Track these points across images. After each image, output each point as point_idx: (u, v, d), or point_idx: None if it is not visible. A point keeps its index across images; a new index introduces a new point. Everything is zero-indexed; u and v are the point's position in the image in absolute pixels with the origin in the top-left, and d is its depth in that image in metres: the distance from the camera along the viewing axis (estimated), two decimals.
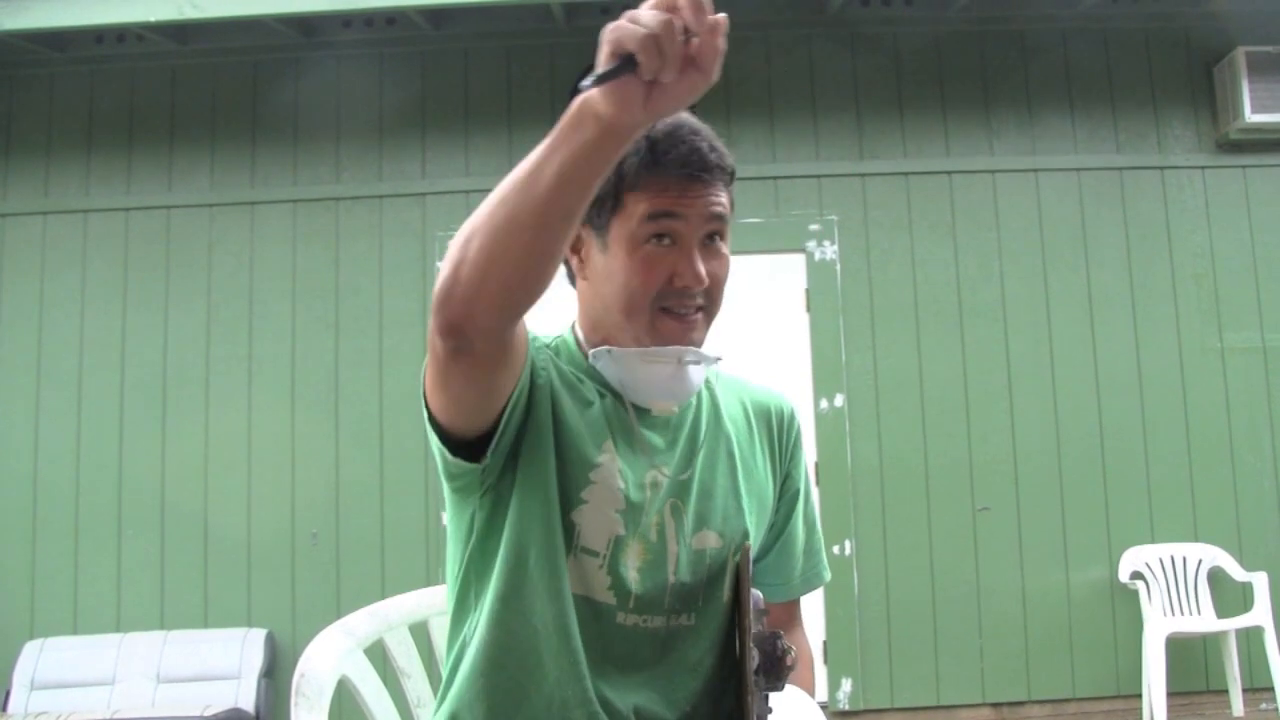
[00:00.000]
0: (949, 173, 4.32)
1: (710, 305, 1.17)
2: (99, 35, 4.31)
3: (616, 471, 1.14)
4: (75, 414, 4.21)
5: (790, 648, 1.00)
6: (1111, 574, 4.10)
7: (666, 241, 1.12)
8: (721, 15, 0.80)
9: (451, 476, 1.12)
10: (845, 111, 4.35)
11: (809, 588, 1.33)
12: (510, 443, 1.11)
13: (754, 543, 1.22)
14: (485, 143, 4.32)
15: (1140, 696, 3.97)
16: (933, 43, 4.37)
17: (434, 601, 1.44)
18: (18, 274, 4.30)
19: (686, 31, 0.78)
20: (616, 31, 0.79)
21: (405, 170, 4.33)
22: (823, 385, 4.21)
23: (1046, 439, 4.20)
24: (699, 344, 1.16)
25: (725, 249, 1.17)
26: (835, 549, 4.08)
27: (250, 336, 4.24)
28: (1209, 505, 4.17)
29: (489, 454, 1.08)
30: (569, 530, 1.12)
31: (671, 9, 0.78)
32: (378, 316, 4.25)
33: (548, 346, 1.20)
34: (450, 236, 0.97)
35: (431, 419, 1.08)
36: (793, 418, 1.32)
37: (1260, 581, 3.90)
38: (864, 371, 4.23)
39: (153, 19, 3.90)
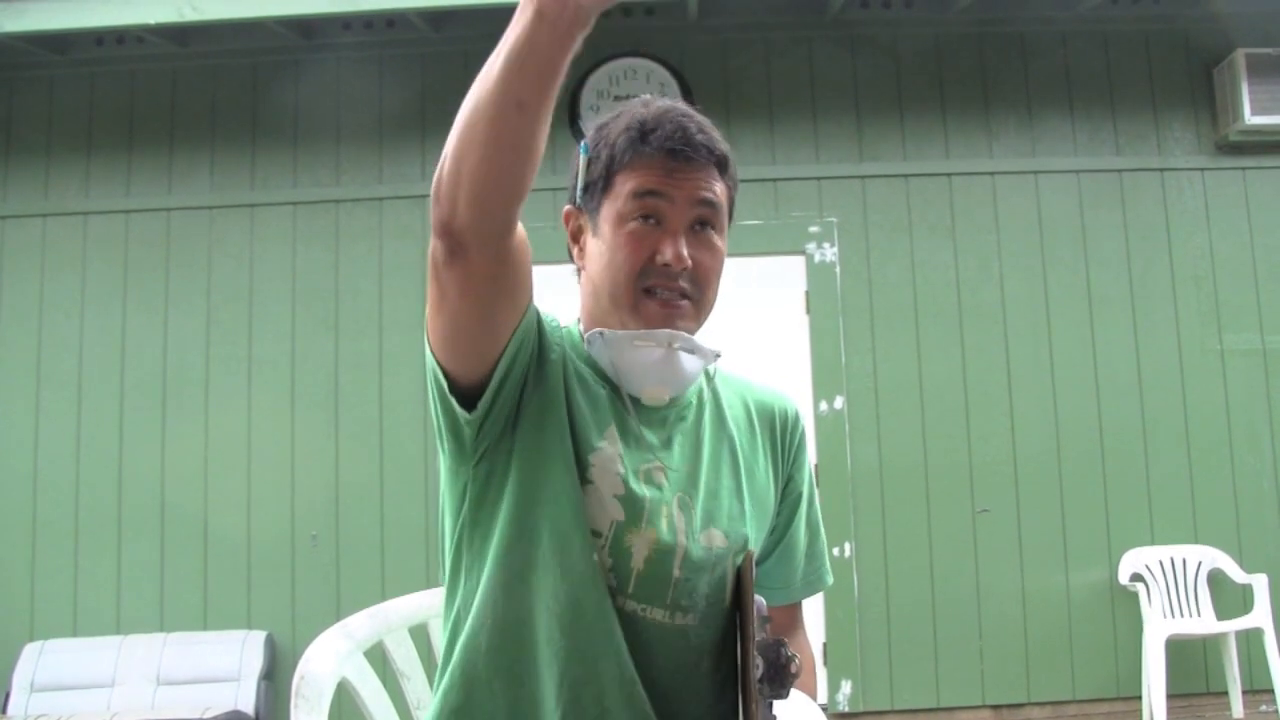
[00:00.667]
0: (949, 175, 4.32)
1: (699, 295, 1.16)
2: (99, 37, 4.31)
3: (616, 457, 1.14)
4: (75, 416, 4.20)
5: (794, 655, 1.00)
6: (1111, 576, 4.10)
7: (652, 221, 1.13)
8: None
9: (445, 430, 1.11)
10: (845, 113, 4.35)
11: (810, 591, 1.32)
12: (509, 406, 1.10)
13: (754, 547, 1.21)
14: None
15: (1140, 698, 3.98)
16: (932, 45, 4.38)
17: (434, 603, 1.43)
18: (17, 276, 4.30)
19: None
20: None
21: (405, 172, 4.33)
22: (822, 387, 4.21)
23: (1046, 441, 4.20)
24: (688, 333, 1.16)
25: (718, 241, 1.17)
26: (835, 551, 4.08)
27: (250, 338, 4.24)
28: (1209, 507, 4.17)
29: (483, 403, 1.07)
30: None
31: None
32: (377, 319, 4.25)
33: (560, 329, 1.20)
34: None
35: (434, 359, 1.08)
36: (797, 419, 1.32)
37: (1260, 583, 3.91)
38: (864, 373, 4.23)
39: (153, 21, 3.90)
